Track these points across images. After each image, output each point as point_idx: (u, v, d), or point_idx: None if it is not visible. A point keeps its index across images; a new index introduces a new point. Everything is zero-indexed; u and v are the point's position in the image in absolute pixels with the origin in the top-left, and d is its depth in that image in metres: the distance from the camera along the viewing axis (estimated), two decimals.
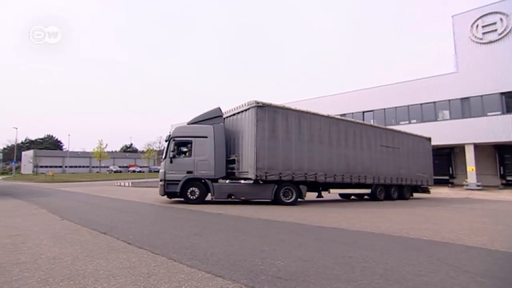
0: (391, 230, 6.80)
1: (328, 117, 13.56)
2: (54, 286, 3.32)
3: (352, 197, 16.15)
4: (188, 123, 12.70)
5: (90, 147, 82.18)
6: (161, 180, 11.87)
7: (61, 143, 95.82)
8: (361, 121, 17.43)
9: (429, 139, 18.87)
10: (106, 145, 61.11)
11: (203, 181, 11.71)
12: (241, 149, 11.81)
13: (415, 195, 17.88)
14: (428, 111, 26.47)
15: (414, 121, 27.08)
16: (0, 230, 6.55)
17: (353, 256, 4.52)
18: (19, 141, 69.49)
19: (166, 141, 12.40)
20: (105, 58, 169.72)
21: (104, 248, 4.88)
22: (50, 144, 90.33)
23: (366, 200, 15.60)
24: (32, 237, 5.75)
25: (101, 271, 3.77)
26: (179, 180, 11.56)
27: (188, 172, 11.72)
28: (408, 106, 27.61)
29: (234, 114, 12.52)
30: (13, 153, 59.30)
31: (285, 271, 3.82)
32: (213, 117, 12.47)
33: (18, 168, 66.64)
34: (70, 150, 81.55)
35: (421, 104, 26.82)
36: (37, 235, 5.98)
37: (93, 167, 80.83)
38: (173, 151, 11.87)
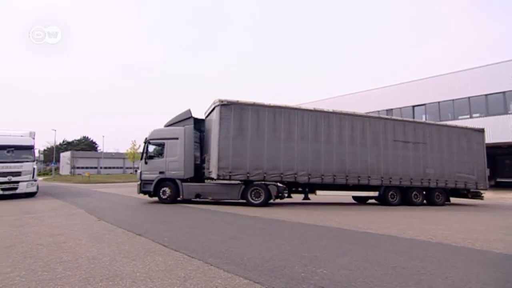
0: (451, 239, 6.35)
1: (314, 110, 13.03)
2: (94, 285, 3.57)
3: (370, 200, 15.01)
4: (165, 126, 13.67)
5: (123, 148, 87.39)
6: (138, 180, 13.27)
7: (95, 144, 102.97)
8: (364, 114, 14.74)
9: (481, 131, 15.73)
10: (139, 146, 64.63)
11: (174, 181, 12.70)
12: (210, 149, 12.36)
13: (455, 200, 15.49)
14: (495, 103, 24.22)
15: (477, 115, 24.87)
16: (44, 229, 7.21)
17: (406, 267, 4.30)
18: (57, 143, 76.00)
19: (144, 143, 13.49)
20: (139, 61, 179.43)
21: (140, 250, 5.14)
22: (86, 145, 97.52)
23: (377, 204, 14.22)
24: (73, 237, 6.25)
25: (138, 273, 3.98)
26: (153, 180, 12.76)
27: (161, 173, 12.85)
28: (468, 98, 25.50)
29: (209, 114, 13.13)
30: (53, 154, 64.93)
31: (329, 280, 3.74)
32: (185, 119, 13.43)
33: (57, 169, 72.89)
34: (104, 151, 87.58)
35: (487, 95, 24.60)
36: (76, 235, 6.49)
37: (127, 168, 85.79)
38: (146, 152, 13.25)
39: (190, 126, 13.28)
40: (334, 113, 13.26)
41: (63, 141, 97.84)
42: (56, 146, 66.85)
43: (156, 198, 13.12)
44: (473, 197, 15.30)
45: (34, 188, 16.17)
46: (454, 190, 15.14)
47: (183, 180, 12.71)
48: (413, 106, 28.67)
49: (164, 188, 12.76)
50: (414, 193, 14.03)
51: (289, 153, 12.27)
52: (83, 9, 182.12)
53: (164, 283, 3.62)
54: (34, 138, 17.18)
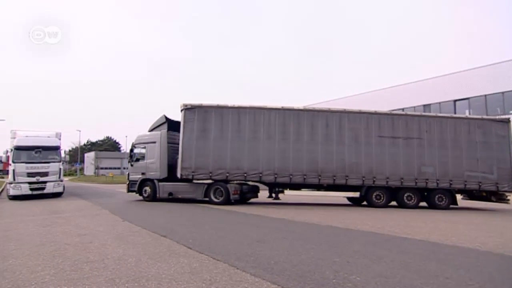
0: (505, 248, 5.99)
1: (282, 109, 13.30)
2: (120, 286, 3.72)
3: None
4: (148, 131, 15.53)
5: None
6: (127, 180, 15.53)
7: (119, 144, 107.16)
8: (342, 109, 13.99)
9: (505, 121, 13.66)
10: None
11: (153, 181, 14.37)
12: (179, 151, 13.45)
13: (466, 203, 14.20)
14: None
15: None
16: (71, 229, 7.61)
17: (451, 277, 4.11)
18: (82, 143, 79.82)
19: (130, 147, 15.97)
20: (166, 57, 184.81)
21: (165, 252, 5.29)
22: (109, 146, 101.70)
23: (363, 205, 13.56)
24: (98, 237, 6.55)
25: (163, 275, 4.10)
26: (137, 181, 14.69)
27: (142, 174, 14.70)
28: None
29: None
30: (77, 155, 68.31)
31: None
32: (161, 123, 14.91)
33: (81, 169, 76.61)
34: (128, 151, 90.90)
35: None
36: (102, 235, 6.79)
37: None
38: (131, 156, 15.40)
39: (164, 130, 14.69)
40: (304, 110, 13.59)
41: (87, 142, 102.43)
42: (81, 147, 70.18)
43: (184, 199, 14.15)
44: (498, 201, 13.67)
45: (61, 188, 17.09)
46: (470, 192, 13.81)
47: (159, 180, 14.22)
48: (455, 101, 27.41)
49: (146, 188, 14.51)
50: (407, 194, 13.23)
51: (253, 153, 12.97)
52: (114, 6, 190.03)
53: (189, 286, 3.70)
54: (60, 139, 18.16)
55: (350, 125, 13.27)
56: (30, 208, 12.14)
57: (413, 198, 13.22)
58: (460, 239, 6.70)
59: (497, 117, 14.26)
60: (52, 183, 16.43)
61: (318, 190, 13.49)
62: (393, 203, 13.32)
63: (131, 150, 15.60)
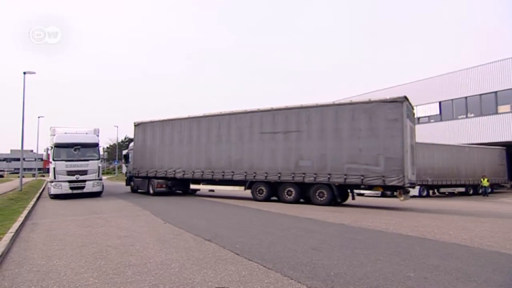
0: None
1: (188, 118, 18.27)
2: None
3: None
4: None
5: None
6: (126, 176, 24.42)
7: None
8: (230, 111, 16.78)
9: (399, 101, 12.65)
10: None
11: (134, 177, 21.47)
12: None
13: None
14: None
15: None
16: (112, 230, 8.22)
17: None
18: (119, 140, 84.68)
19: (125, 153, 24.46)
20: (205, 48, 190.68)
21: (210, 257, 5.49)
22: None
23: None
24: (140, 240, 6.98)
25: (209, 283, 4.25)
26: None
27: (129, 172, 22.59)
28: None
29: None
30: (115, 152, 72.76)
31: None
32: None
33: (120, 167, 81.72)
34: None
35: None
36: (143, 237, 7.23)
37: None
38: (126, 159, 23.73)
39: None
40: (204, 116, 17.55)
41: (125, 138, 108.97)
42: (118, 144, 74.58)
43: (224, 198, 16.66)
44: (404, 194, 13.01)
45: (100, 187, 18.44)
46: (355, 186, 14.00)
47: (136, 176, 21.12)
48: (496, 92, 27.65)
49: (132, 182, 22.32)
50: (287, 189, 14.67)
51: (171, 154, 18.68)
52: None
53: None
54: (98, 135, 19.56)
55: (236, 124, 16.13)
56: (71, 208, 13.30)
57: (292, 193, 14.59)
58: None
59: (388, 97, 13.09)
60: (91, 182, 17.77)
61: (214, 184, 17.37)
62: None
63: (126, 154, 23.80)
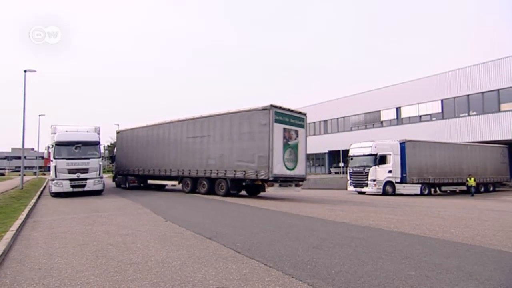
0: None
1: (146, 126, 22.86)
2: None
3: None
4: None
5: None
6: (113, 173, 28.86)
7: None
8: (169, 120, 21.05)
9: (266, 109, 15.28)
10: None
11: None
12: None
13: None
14: None
15: None
16: (113, 228, 8.24)
17: None
18: None
19: (112, 154, 30.36)
20: (210, 45, 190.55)
21: (211, 256, 5.50)
22: None
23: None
24: (141, 238, 7.00)
25: (210, 281, 4.27)
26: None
27: (114, 171, 27.83)
28: None
29: None
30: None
31: None
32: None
33: None
34: None
35: None
36: (144, 235, 7.25)
37: None
38: (112, 160, 29.71)
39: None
40: (155, 125, 21.94)
41: None
42: None
43: (224, 196, 16.75)
44: (264, 190, 16.31)
45: (101, 185, 18.47)
46: (237, 181, 16.71)
47: (118, 174, 26.03)
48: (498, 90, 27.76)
49: (116, 179, 26.51)
50: (203, 183, 18.39)
51: (137, 156, 23.06)
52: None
53: None
54: (99, 134, 19.58)
55: (173, 130, 20.37)
56: (72, 206, 13.33)
57: (205, 186, 18.12)
58: None
59: (260, 106, 15.77)
60: (92, 180, 17.81)
61: (161, 180, 21.44)
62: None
63: (111, 157, 29.98)
